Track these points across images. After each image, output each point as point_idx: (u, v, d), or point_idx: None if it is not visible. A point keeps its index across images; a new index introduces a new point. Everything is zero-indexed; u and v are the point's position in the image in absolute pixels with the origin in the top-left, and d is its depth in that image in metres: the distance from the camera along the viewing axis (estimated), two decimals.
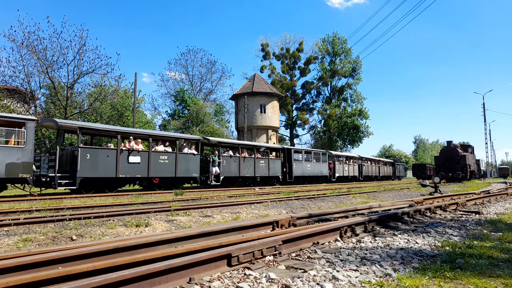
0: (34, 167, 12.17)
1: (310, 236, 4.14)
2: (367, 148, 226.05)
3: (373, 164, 38.65)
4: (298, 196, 11.97)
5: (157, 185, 15.77)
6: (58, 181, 12.24)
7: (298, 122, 56.19)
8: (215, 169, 18.28)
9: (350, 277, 2.89)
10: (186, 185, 18.46)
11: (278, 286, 2.65)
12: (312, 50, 55.95)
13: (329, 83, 55.93)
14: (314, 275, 2.90)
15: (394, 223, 5.87)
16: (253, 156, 21.29)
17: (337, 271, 3.04)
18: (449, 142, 35.20)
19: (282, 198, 11.19)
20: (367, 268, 3.14)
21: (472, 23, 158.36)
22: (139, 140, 15.30)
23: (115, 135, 14.66)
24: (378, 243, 4.35)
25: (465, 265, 3.26)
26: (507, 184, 26.75)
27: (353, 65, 54.30)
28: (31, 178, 11.61)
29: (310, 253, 3.74)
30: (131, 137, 14.97)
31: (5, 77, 24.63)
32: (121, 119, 29.90)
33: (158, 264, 2.61)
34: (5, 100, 24.59)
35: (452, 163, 33.07)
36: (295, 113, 56.28)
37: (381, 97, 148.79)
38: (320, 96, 57.39)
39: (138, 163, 14.68)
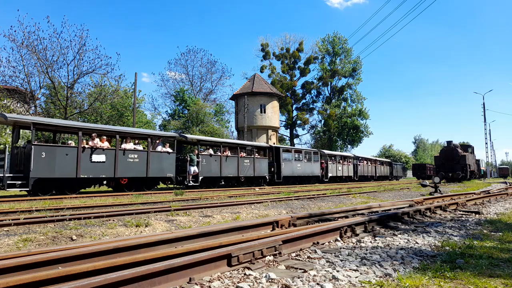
0: None
1: (310, 236, 4.14)
2: (367, 148, 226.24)
3: (369, 164, 37.73)
4: (298, 196, 11.97)
5: (126, 186, 14.60)
6: (10, 181, 11.25)
7: (298, 122, 56.24)
8: (193, 169, 17.19)
9: (350, 277, 2.89)
10: (161, 185, 17.48)
11: (278, 286, 2.65)
12: (312, 50, 56.08)
13: (329, 83, 55.95)
14: (314, 275, 2.90)
15: (394, 223, 5.87)
16: (236, 155, 20.22)
17: (337, 271, 3.04)
18: (449, 142, 35.21)
19: (282, 198, 11.19)
20: (367, 268, 3.14)
21: (472, 23, 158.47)
22: (104, 137, 14.07)
23: (76, 131, 13.34)
24: (378, 243, 4.35)
25: (465, 265, 3.26)
26: (507, 184, 26.75)
27: (353, 65, 54.33)
28: None
29: (310, 253, 3.74)
30: (94, 134, 13.68)
31: (5, 77, 24.67)
32: (121, 119, 29.93)
33: (158, 264, 2.61)
34: (5, 100, 24.59)
35: (452, 163, 33.07)
36: (295, 113, 56.31)
37: (381, 97, 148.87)
38: (320, 96, 57.49)
39: (103, 162, 13.41)
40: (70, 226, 5.58)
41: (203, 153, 18.16)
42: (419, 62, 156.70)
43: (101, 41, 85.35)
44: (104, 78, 28.47)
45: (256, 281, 2.73)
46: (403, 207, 7.72)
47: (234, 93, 42.47)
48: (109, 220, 6.30)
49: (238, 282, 2.72)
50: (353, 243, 4.32)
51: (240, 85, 44.60)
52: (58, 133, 15.72)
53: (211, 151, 19.09)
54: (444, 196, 11.51)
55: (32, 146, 11.69)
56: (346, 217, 6.43)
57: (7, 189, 11.31)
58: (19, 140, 14.32)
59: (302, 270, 3.06)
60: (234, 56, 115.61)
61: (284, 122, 55.11)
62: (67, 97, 26.72)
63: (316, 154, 27.78)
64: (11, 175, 11.54)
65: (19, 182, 11.50)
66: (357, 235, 4.76)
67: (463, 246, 4.12)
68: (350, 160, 33.49)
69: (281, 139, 52.31)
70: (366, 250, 3.93)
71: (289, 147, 29.79)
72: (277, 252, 3.52)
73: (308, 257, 3.57)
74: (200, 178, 17.47)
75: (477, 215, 7.34)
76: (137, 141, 15.52)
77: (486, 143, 44.43)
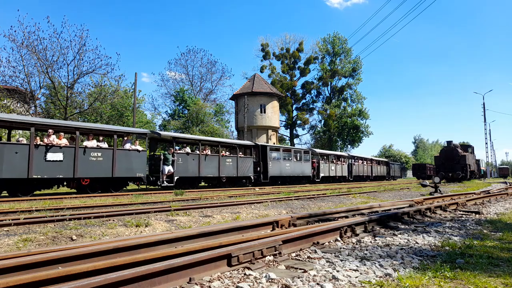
0: None
1: (310, 236, 4.14)
2: (367, 148, 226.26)
3: (365, 163, 36.61)
4: (298, 196, 11.98)
5: (89, 187, 13.52)
6: None
7: (298, 122, 56.25)
8: (168, 168, 16.05)
9: (350, 277, 2.89)
10: (132, 186, 16.56)
11: (278, 286, 2.65)
12: (312, 50, 56.11)
13: (329, 83, 55.98)
14: (314, 275, 2.90)
15: (394, 223, 5.87)
16: (217, 154, 19.05)
17: (337, 271, 3.04)
18: (449, 142, 35.21)
19: (282, 198, 11.20)
20: (367, 268, 3.14)
21: (472, 23, 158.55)
22: (62, 133, 12.96)
23: (28, 127, 12.24)
24: (378, 243, 4.35)
25: (465, 265, 3.26)
26: (507, 184, 26.75)
27: (353, 65, 54.35)
28: None
29: (310, 253, 3.74)
30: (50, 131, 12.58)
31: (5, 77, 24.70)
32: (121, 119, 29.93)
33: (158, 264, 2.61)
34: (5, 100, 24.60)
35: (452, 163, 33.08)
36: (295, 113, 56.32)
37: (381, 97, 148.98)
38: (320, 96, 57.53)
39: (60, 161, 12.25)
40: (70, 226, 5.58)
41: (179, 152, 17.02)
42: (419, 62, 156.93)
43: (101, 41, 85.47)
44: (104, 78, 28.53)
45: (256, 281, 2.73)
46: (403, 207, 7.72)
47: (234, 93, 42.48)
48: (109, 220, 6.30)
49: (238, 282, 2.72)
50: (353, 243, 4.32)
51: (240, 85, 44.68)
52: (13, 130, 14.67)
53: (188, 149, 17.89)
54: (444, 196, 11.51)
55: None
56: (346, 217, 6.43)
57: None
58: None
59: (302, 270, 3.06)
60: (234, 56, 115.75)
61: (284, 122, 55.15)
62: (67, 97, 26.73)
63: (307, 153, 26.79)
64: None
65: None
66: (357, 235, 4.76)
67: (463, 246, 4.12)
68: (344, 159, 32.56)
69: (281, 139, 52.32)
70: (366, 250, 3.93)
71: (277, 145, 28.38)
72: (277, 252, 3.52)
73: (308, 257, 3.57)
74: (176, 178, 16.31)
75: (477, 215, 7.34)
76: (101, 138, 14.38)
77: (486, 143, 44.49)
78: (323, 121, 54.83)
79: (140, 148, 15.11)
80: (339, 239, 4.47)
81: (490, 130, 57.44)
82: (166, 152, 16.45)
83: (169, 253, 3.13)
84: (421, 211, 7.07)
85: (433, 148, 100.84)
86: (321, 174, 27.92)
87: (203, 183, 19.82)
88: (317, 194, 13.09)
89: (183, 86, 44.02)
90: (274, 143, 39.42)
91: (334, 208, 7.68)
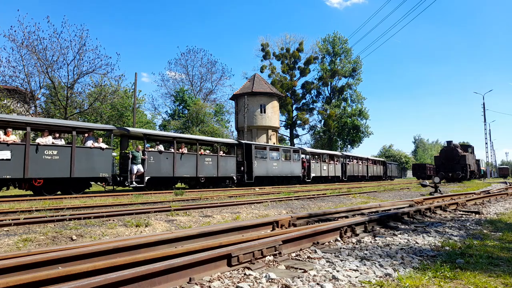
0: None
1: (310, 236, 4.14)
2: (368, 148, 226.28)
3: (360, 163, 35.46)
4: (298, 196, 11.98)
5: (43, 188, 12.36)
6: None
7: (298, 122, 56.26)
8: (137, 168, 14.90)
9: (350, 277, 2.89)
10: (98, 188, 15.53)
11: (278, 286, 2.65)
12: (312, 50, 56.11)
13: (329, 83, 55.99)
14: (314, 275, 2.90)
15: (394, 223, 5.87)
16: (195, 152, 17.86)
17: (337, 271, 3.04)
18: (449, 142, 35.22)
19: (282, 198, 11.20)
20: (367, 268, 3.14)
21: (472, 23, 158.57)
22: (10, 129, 11.84)
23: None
24: (378, 243, 4.35)
25: (465, 265, 3.26)
26: (507, 184, 26.75)
27: (353, 65, 54.35)
28: None
29: (310, 253, 3.74)
30: None
31: (5, 77, 24.71)
32: (121, 119, 29.94)
33: (158, 264, 2.61)
34: (5, 100, 24.61)
35: (452, 163, 33.08)
36: (295, 113, 56.33)
37: (381, 97, 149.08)
38: (320, 96, 57.54)
39: (8, 159, 11.22)
40: (70, 226, 5.58)
41: (150, 150, 15.92)
42: (419, 62, 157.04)
43: (101, 41, 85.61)
44: (104, 78, 28.53)
45: (256, 281, 2.73)
46: (403, 207, 7.72)
47: (234, 93, 42.48)
48: (109, 220, 6.30)
49: (238, 282, 2.72)
50: (353, 243, 4.32)
51: (240, 85, 44.69)
52: None
53: (161, 147, 16.71)
54: (444, 196, 11.51)
55: None
56: (346, 217, 6.42)
57: None
58: None
59: (302, 270, 3.06)
60: (234, 56, 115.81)
61: (284, 122, 55.16)
62: (67, 97, 26.74)
63: (296, 153, 25.75)
64: None
65: None
66: (357, 235, 4.76)
67: (463, 246, 4.12)
68: (338, 159, 31.50)
69: (281, 139, 52.33)
70: (366, 250, 3.93)
71: (264, 144, 26.82)
72: (277, 252, 3.52)
73: (308, 257, 3.57)
74: (146, 178, 15.18)
75: (477, 215, 7.34)
76: (58, 135, 13.19)
77: (486, 143, 44.47)
78: (323, 121, 54.86)
79: (104, 145, 14.01)
80: (339, 239, 4.47)
81: (490, 130, 57.51)
82: (134, 150, 15.23)
83: (169, 253, 3.13)
84: (421, 211, 7.07)
85: (433, 148, 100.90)
86: (312, 174, 27.00)
87: (179, 184, 18.76)
88: (317, 194, 13.09)
89: (183, 86, 44.09)
90: (274, 143, 39.41)
91: (334, 208, 7.69)
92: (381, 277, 2.92)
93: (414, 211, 6.89)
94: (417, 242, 4.41)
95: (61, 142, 13.06)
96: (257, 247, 3.34)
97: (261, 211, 8.14)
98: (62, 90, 27.55)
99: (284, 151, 24.96)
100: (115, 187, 15.38)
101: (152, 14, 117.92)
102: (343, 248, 4.01)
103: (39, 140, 12.36)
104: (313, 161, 27.56)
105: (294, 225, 5.43)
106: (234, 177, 19.89)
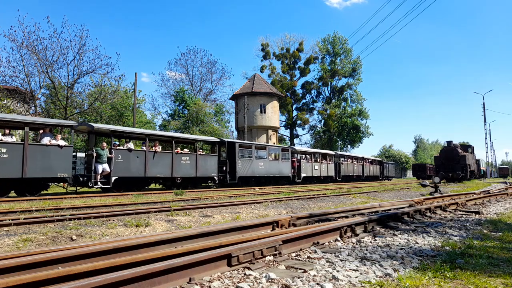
0: None
1: (310, 236, 4.14)
2: (368, 148, 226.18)
3: (355, 163, 34.36)
4: (298, 196, 11.99)
5: None
6: None
7: (298, 122, 56.27)
8: (102, 167, 13.78)
9: (350, 277, 2.89)
10: (58, 189, 14.51)
11: (278, 286, 2.65)
12: (312, 50, 56.11)
13: (329, 83, 55.99)
14: (314, 275, 2.90)
15: (394, 223, 5.87)
16: (170, 151, 16.72)
17: (337, 271, 3.04)
18: (449, 142, 35.23)
19: (282, 198, 11.21)
20: (367, 268, 3.14)
21: (472, 23, 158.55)
22: None
23: None
24: (378, 243, 4.35)
25: (465, 265, 3.26)
26: (507, 184, 26.75)
27: (353, 65, 54.35)
28: None
29: (310, 253, 3.74)
30: None
31: (5, 77, 24.68)
32: (121, 119, 29.94)
33: (158, 264, 2.61)
34: (5, 100, 24.61)
35: (452, 163, 33.09)
36: (295, 113, 56.34)
37: (381, 97, 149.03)
38: (320, 96, 57.55)
39: None
40: (70, 226, 5.58)
41: (118, 148, 14.80)
42: (419, 62, 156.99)
43: (101, 41, 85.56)
44: (104, 78, 28.50)
45: (256, 281, 2.73)
46: (403, 207, 7.72)
47: (234, 93, 42.48)
48: (109, 220, 6.30)
49: (238, 282, 2.72)
50: (353, 243, 4.32)
51: (240, 85, 44.68)
52: None
53: (130, 145, 15.42)
54: (444, 196, 11.51)
55: None
56: (346, 217, 6.42)
57: None
58: None
59: (302, 270, 3.06)
60: (234, 56, 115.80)
61: (284, 122, 55.16)
62: (67, 97, 26.73)
63: (285, 151, 24.78)
64: None
65: None
66: (357, 235, 4.76)
67: (463, 246, 4.12)
68: (331, 158, 30.33)
69: (281, 139, 52.33)
70: (366, 250, 3.93)
71: (250, 142, 25.22)
72: (277, 252, 3.52)
73: (308, 257, 3.57)
74: (113, 179, 14.07)
75: (477, 215, 7.34)
76: (8, 131, 12.01)
77: (486, 143, 44.48)
78: (323, 121, 54.86)
79: (63, 143, 12.74)
80: (339, 239, 4.47)
81: (490, 130, 57.52)
82: (98, 148, 14.02)
83: (169, 253, 3.13)
84: (421, 211, 7.07)
85: (433, 148, 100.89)
86: (303, 174, 25.94)
87: (153, 185, 17.71)
88: (317, 194, 13.10)
89: (183, 86, 44.07)
90: (274, 143, 39.40)
91: (334, 208, 7.69)
92: (381, 277, 2.92)
93: (414, 211, 6.89)
94: (417, 242, 4.41)
95: (12, 139, 11.94)
96: (257, 247, 3.34)
97: (261, 211, 8.14)
98: (62, 90, 27.53)
99: (271, 150, 23.93)
100: (77, 188, 14.36)
101: (152, 14, 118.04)
102: (343, 248, 4.01)
103: None
104: (304, 161, 26.69)
105: (294, 225, 5.43)
106: (216, 177, 18.75)
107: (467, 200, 9.67)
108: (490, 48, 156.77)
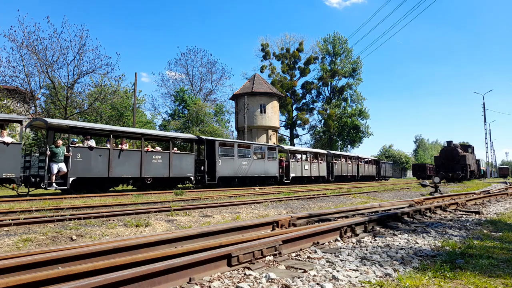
0: None
1: (310, 236, 4.14)
2: (368, 148, 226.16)
3: (349, 162, 33.25)
4: (298, 196, 11.99)
5: None
6: None
7: (298, 122, 56.28)
8: (58, 167, 12.61)
9: (350, 277, 2.89)
10: (11, 192, 13.49)
11: (278, 286, 2.64)
12: (312, 50, 56.12)
13: (329, 83, 55.99)
14: (314, 275, 2.90)
15: (394, 223, 5.87)
16: (139, 149, 15.53)
17: (337, 271, 3.04)
18: (449, 142, 35.24)
19: (282, 198, 11.21)
20: (367, 268, 3.14)
21: (472, 23, 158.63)
22: None
23: None
24: (378, 243, 4.35)
25: (465, 265, 3.26)
26: (507, 184, 26.75)
27: (353, 65, 54.36)
28: None
29: (310, 253, 3.74)
30: None
31: (5, 77, 24.68)
32: (121, 119, 29.93)
33: (158, 264, 2.61)
34: (5, 100, 24.61)
35: (452, 163, 33.10)
36: (295, 113, 56.34)
37: (381, 97, 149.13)
38: (320, 96, 57.56)
39: None
40: (70, 226, 5.58)
41: (77, 145, 13.53)
42: (419, 62, 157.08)
43: (101, 41, 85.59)
44: (104, 78, 28.50)
45: (256, 281, 2.73)
46: (403, 207, 7.71)
47: (234, 93, 42.48)
48: (109, 220, 6.30)
49: (238, 282, 2.72)
50: (353, 243, 4.31)
51: (240, 85, 44.69)
52: None
53: (92, 143, 14.08)
54: (444, 196, 11.51)
55: None
56: (346, 217, 6.42)
57: None
58: None
59: (302, 270, 3.06)
60: (234, 56, 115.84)
61: (284, 122, 55.16)
62: (67, 97, 26.72)
63: (272, 150, 23.46)
64: None
65: None
66: (357, 235, 4.76)
67: (463, 246, 4.12)
68: (323, 157, 29.09)
69: (281, 139, 52.33)
70: (366, 250, 3.92)
71: (231, 140, 24.01)
72: (277, 252, 3.52)
73: (308, 257, 3.57)
74: (71, 179, 12.89)
75: (477, 215, 7.33)
76: None
77: (486, 143, 44.50)
78: (323, 121, 54.87)
79: (9, 139, 11.61)
80: (339, 239, 4.47)
81: (490, 130, 57.43)
82: (52, 146, 12.77)
83: (169, 253, 3.13)
84: (421, 211, 7.06)
85: (433, 148, 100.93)
86: (292, 174, 24.59)
87: (122, 186, 16.49)
88: (317, 194, 13.10)
89: (183, 86, 44.03)
90: (274, 143, 39.39)
91: (334, 208, 7.69)
92: (381, 277, 2.92)
93: (414, 211, 6.89)
94: (417, 242, 4.41)
95: None
96: (257, 247, 3.34)
97: (261, 211, 8.14)
98: (62, 90, 27.52)
99: (256, 148, 22.58)
100: (30, 190, 13.13)
101: (152, 14, 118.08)
102: (343, 248, 4.01)
103: None
104: (293, 160, 25.36)
105: (294, 225, 5.43)
106: (192, 178, 17.49)
107: (467, 200, 9.66)
108: (490, 48, 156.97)
